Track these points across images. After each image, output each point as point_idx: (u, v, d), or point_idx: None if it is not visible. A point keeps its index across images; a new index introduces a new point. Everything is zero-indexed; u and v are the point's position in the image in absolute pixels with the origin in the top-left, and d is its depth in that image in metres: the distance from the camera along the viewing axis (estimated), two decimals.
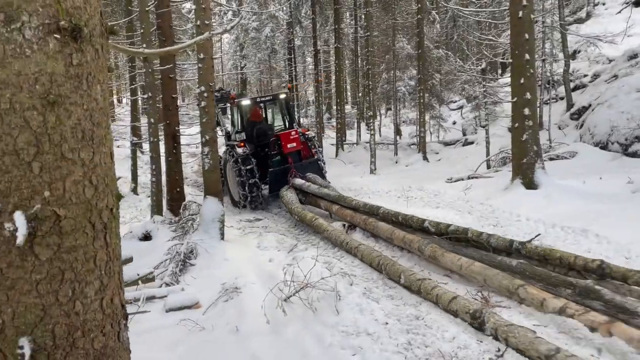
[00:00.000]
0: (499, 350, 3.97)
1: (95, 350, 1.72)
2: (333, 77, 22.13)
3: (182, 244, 8.00)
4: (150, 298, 6.13)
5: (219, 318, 5.42)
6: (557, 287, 4.66)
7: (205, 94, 8.56)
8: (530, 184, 8.99)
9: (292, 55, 19.25)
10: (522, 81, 8.91)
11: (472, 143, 18.04)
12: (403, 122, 27.54)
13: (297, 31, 22.62)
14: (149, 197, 10.15)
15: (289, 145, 11.21)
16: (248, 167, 10.82)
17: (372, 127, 16.00)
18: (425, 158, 16.75)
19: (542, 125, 15.44)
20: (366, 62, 20.41)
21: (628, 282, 4.50)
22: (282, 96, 12.51)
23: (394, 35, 18.72)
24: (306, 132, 12.05)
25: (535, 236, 6.11)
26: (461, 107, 24.82)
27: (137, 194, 14.52)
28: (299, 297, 5.45)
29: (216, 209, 8.70)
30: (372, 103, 18.21)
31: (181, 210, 9.76)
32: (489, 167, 13.54)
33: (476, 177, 11.85)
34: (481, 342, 4.14)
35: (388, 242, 7.35)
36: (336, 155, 19.68)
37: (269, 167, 11.06)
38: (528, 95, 8.92)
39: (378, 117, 29.95)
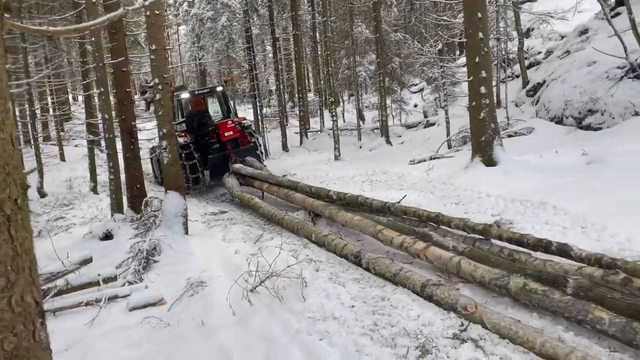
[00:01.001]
0: (462, 324, 4.03)
1: (6, 352, 1.63)
2: (293, 65, 21.92)
3: (145, 241, 7.83)
4: (113, 298, 5.98)
5: (184, 313, 5.34)
6: (409, 234, 6.16)
7: (160, 86, 8.35)
8: (490, 162, 9.15)
9: (250, 44, 18.97)
10: (477, 60, 9.02)
11: (433, 124, 18.24)
12: (366, 107, 27.60)
13: (255, 19, 22.32)
14: (109, 196, 9.87)
15: (226, 134, 12.41)
16: (186, 151, 11.83)
17: (334, 114, 15.97)
18: (388, 142, 16.86)
19: (500, 103, 15.73)
20: (325, 49, 20.38)
21: (451, 226, 6.22)
22: (219, 89, 13.80)
23: (352, 20, 18.68)
24: (242, 121, 13.17)
25: (403, 197, 7.88)
26: (421, 90, 25.06)
27: (97, 193, 14.13)
28: (265, 287, 5.42)
29: (178, 204, 8.54)
30: (333, 89, 18.17)
31: (143, 207, 9.54)
32: (450, 147, 13.73)
33: (438, 158, 12.00)
34: (444, 319, 4.19)
35: (307, 210, 8.71)
36: (300, 143, 19.61)
37: (209, 155, 12.24)
38: (483, 74, 9.04)
39: (341, 103, 29.99)
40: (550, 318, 4.01)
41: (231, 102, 14.52)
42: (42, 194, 14.30)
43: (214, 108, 14.11)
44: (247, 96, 21.87)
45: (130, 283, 6.55)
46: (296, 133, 20.82)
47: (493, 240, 5.64)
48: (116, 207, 9.59)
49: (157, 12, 8.17)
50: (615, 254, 4.90)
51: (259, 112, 19.32)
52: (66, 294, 6.13)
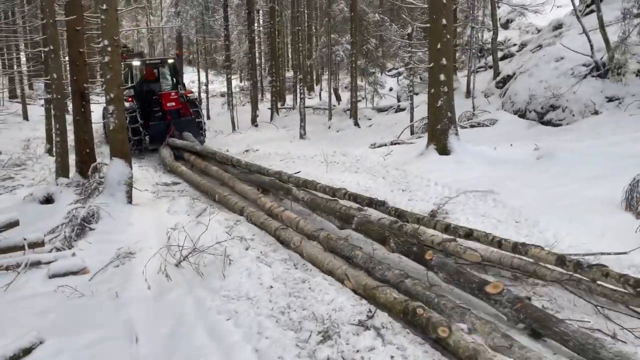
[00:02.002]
0: (370, 311, 3.98)
1: None
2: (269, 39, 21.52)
3: (84, 207, 7.62)
4: (35, 264, 5.79)
5: (104, 284, 5.19)
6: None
7: (109, 49, 8.03)
8: (444, 150, 9.11)
9: (225, 14, 18.51)
10: (438, 47, 8.90)
11: (404, 110, 18.14)
12: (346, 87, 27.30)
13: None
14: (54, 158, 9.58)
15: (168, 104, 12.84)
16: (131, 115, 12.30)
17: (302, 92, 15.75)
18: (356, 124, 16.73)
19: (470, 93, 15.72)
20: (305, 25, 20.02)
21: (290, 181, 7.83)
22: (170, 61, 14.35)
23: None
24: (189, 95, 13.86)
25: (296, 172, 8.97)
26: (399, 74, 24.89)
27: (53, 155, 13.72)
28: (188, 262, 5.30)
29: (122, 171, 8.32)
30: (303, 67, 17.90)
31: (90, 173, 9.28)
32: (412, 133, 13.68)
33: (398, 143, 11.93)
34: (355, 305, 4.14)
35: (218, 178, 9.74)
36: (271, 119, 19.35)
37: (151, 122, 12.86)
38: (444, 61, 8.93)
39: (319, 82, 29.66)
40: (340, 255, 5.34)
41: (181, 75, 14.98)
42: None
43: (164, 78, 14.46)
44: (221, 67, 21.41)
45: (58, 250, 6.35)
46: (269, 108, 20.55)
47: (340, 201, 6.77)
48: (61, 171, 9.30)
49: None
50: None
51: (229, 84, 18.95)
52: None
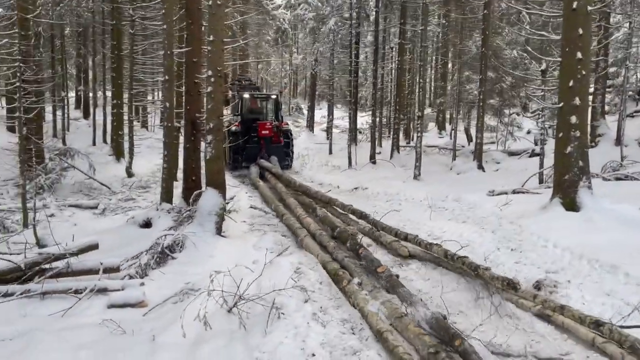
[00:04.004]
0: None
1: None
2: (395, 75, 21.04)
3: (172, 234, 7.61)
4: (102, 290, 5.74)
5: (152, 322, 4.91)
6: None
7: (213, 79, 8.09)
8: (571, 205, 7.64)
9: (351, 50, 18.43)
10: (570, 84, 7.57)
11: (538, 154, 16.27)
12: (485, 128, 25.56)
13: (365, 27, 21.81)
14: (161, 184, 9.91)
15: (263, 132, 15.36)
16: (237, 137, 14.97)
17: (419, 130, 14.87)
18: (480, 167, 15.32)
19: (620, 140, 13.58)
20: (440, 62, 19.21)
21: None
22: (273, 96, 17.22)
23: (462, 32, 17.34)
24: (284, 126, 16.29)
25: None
26: (539, 115, 22.72)
27: (177, 180, 14.49)
28: (238, 310, 4.80)
29: (215, 202, 8.22)
30: (418, 102, 17.04)
31: (191, 200, 9.40)
32: (541, 182, 12.00)
33: (522, 192, 10.48)
34: None
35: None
36: (390, 157, 18.65)
37: (248, 145, 15.47)
38: (577, 101, 7.56)
39: (453, 121, 28.27)
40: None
41: (281, 109, 17.29)
42: (129, 174, 14.98)
43: (267, 110, 17.16)
44: (349, 102, 21.38)
45: (131, 277, 6.29)
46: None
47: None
48: (165, 196, 9.56)
49: (219, 2, 7.93)
50: None
51: (352, 118, 18.76)
52: (64, 278, 6.03)
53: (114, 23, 15.72)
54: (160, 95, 25.06)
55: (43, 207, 10.89)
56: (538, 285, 5.03)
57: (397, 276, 5.48)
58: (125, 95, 17.11)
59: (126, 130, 16.32)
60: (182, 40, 10.95)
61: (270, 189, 11.87)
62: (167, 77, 9.28)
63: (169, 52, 9.18)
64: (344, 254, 6.39)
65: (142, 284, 6.04)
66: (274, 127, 15.70)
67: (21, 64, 9.29)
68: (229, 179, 14.08)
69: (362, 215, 8.19)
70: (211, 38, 8.04)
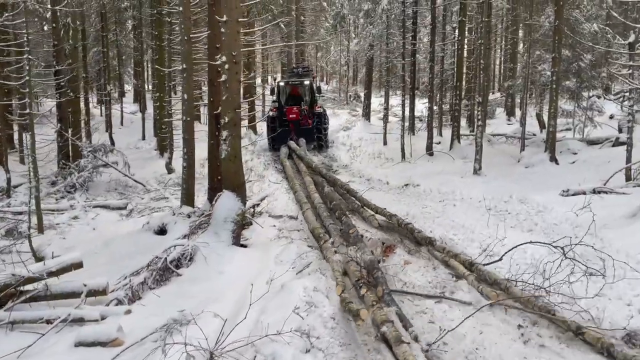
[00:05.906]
0: None
1: None
2: (455, 58, 19.14)
3: (182, 245, 6.67)
4: (78, 320, 4.84)
5: None
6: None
7: (227, 66, 7.02)
8: None
9: (404, 32, 16.83)
10: None
11: (624, 144, 14.04)
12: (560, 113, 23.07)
13: (422, 4, 20.06)
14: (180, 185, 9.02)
15: (290, 116, 16.61)
16: (273, 120, 16.95)
17: (480, 118, 13.11)
18: (553, 159, 13.34)
19: None
20: (508, 41, 17.21)
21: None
22: (306, 82, 17.96)
23: (532, 5, 15.27)
24: (317, 109, 17.17)
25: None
26: (623, 98, 20.06)
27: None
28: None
29: (231, 207, 7.23)
30: (479, 86, 15.15)
31: (213, 203, 8.46)
32: (629, 179, 10.03)
33: (605, 192, 8.69)
34: None
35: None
36: (450, 147, 16.91)
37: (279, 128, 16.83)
38: None
39: (523, 106, 25.83)
40: None
41: (315, 92, 17.90)
42: (169, 170, 14.36)
43: (303, 95, 17.99)
44: (403, 88, 19.76)
45: (119, 301, 5.39)
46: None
47: None
48: (185, 199, 8.70)
49: None
50: None
51: (409, 105, 17.25)
52: (44, 301, 5.22)
53: (155, 12, 15.10)
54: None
55: (70, 207, 10.40)
56: (630, 340, 3.55)
57: (362, 236, 7.27)
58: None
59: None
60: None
61: (292, 167, 13.37)
62: (184, 66, 8.34)
63: (185, 38, 8.21)
64: (330, 221, 8.02)
65: (128, 311, 5.12)
66: (301, 110, 16.82)
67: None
68: (272, 174, 13.84)
69: (352, 193, 9.68)
70: (224, 18, 6.97)
